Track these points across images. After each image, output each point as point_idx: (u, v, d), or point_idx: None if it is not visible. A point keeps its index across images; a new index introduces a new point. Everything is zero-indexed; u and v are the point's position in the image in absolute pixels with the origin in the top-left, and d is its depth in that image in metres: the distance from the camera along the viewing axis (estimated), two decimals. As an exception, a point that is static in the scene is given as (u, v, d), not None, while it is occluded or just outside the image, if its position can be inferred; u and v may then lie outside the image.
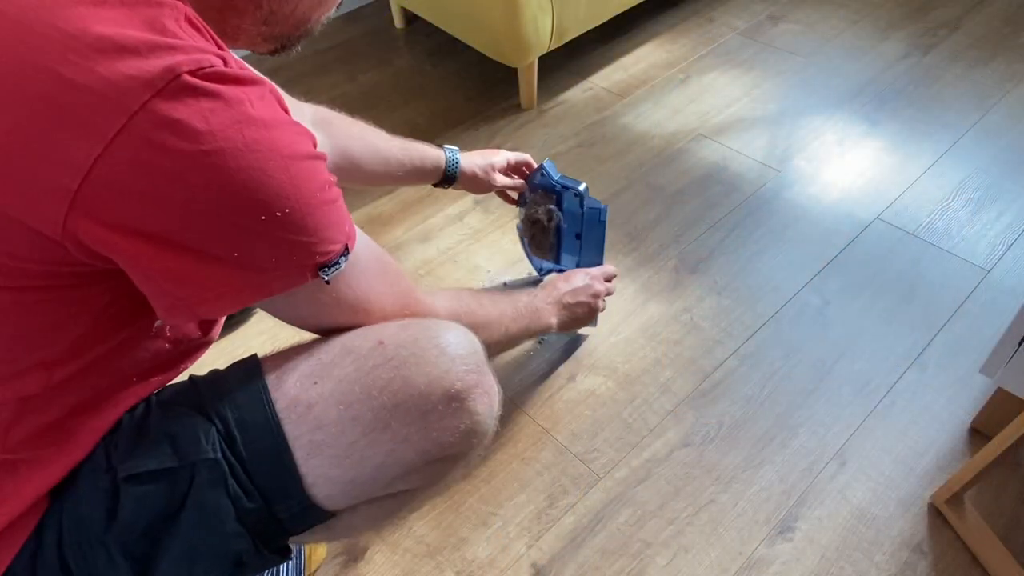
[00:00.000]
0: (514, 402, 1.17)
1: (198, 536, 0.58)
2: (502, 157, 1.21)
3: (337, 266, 0.58)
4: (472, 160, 1.18)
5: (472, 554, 1.00)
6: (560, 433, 1.13)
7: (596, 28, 1.95)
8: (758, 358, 1.22)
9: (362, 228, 1.50)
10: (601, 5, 1.71)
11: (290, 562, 0.95)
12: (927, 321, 1.26)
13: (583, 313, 1.12)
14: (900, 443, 1.10)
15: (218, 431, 0.59)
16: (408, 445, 0.62)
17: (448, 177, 1.17)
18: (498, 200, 1.52)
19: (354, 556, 1.01)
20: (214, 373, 0.66)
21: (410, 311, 0.70)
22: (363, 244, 0.64)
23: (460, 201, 1.53)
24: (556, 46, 1.67)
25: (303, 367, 0.63)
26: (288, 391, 0.62)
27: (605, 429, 1.13)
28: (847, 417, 1.13)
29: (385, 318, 0.67)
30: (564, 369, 1.22)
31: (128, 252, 0.49)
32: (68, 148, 0.45)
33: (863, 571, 0.97)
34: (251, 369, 0.64)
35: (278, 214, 0.51)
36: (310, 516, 0.63)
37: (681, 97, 1.77)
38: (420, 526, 1.03)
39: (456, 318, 0.77)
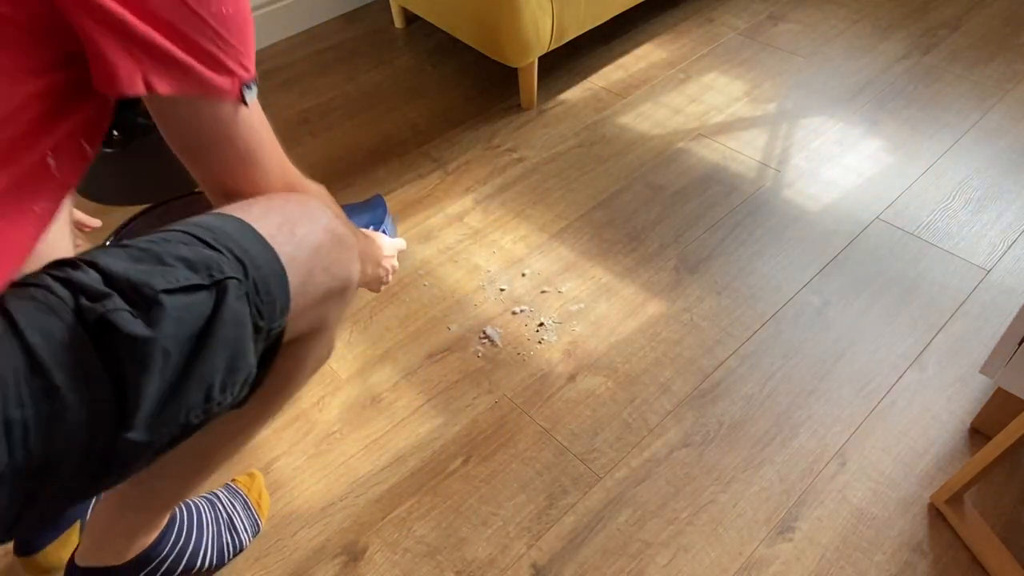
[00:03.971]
0: (514, 402, 1.17)
1: (229, 348, 0.60)
2: None
3: (251, 89, 0.63)
4: None
5: (472, 554, 1.00)
6: (560, 433, 1.13)
7: (596, 28, 1.96)
8: (758, 358, 1.22)
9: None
10: (601, 5, 1.71)
11: (242, 512, 1.02)
12: (927, 321, 1.26)
13: (375, 279, 1.05)
14: (900, 443, 1.10)
15: (227, 259, 0.61)
16: (326, 278, 0.71)
17: None
18: (499, 200, 1.53)
19: (354, 556, 1.01)
20: (181, 220, 0.66)
21: (291, 183, 0.74)
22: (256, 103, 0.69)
23: (460, 201, 1.54)
24: (556, 46, 1.67)
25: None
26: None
27: (605, 429, 1.13)
28: (847, 417, 1.13)
29: (269, 182, 0.72)
30: (564, 369, 1.22)
31: (103, 6, 0.52)
32: None
33: (863, 571, 0.97)
34: (225, 214, 0.66)
35: (224, 10, 0.58)
36: (280, 340, 0.69)
37: (681, 97, 1.77)
38: (420, 526, 1.03)
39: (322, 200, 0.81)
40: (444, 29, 1.78)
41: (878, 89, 1.76)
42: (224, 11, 0.58)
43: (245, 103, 0.64)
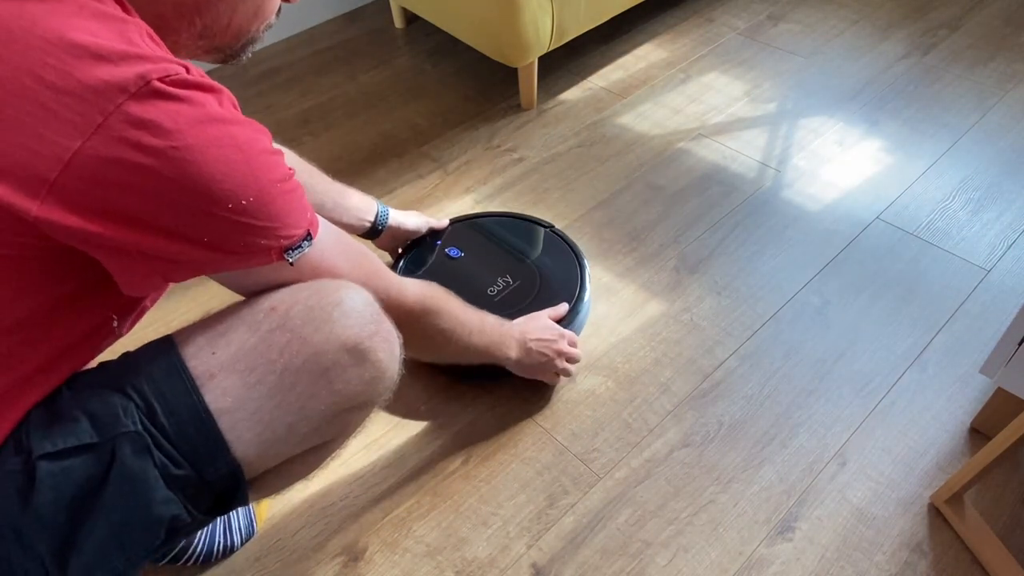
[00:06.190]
0: (514, 402, 1.17)
1: (126, 507, 0.60)
2: (426, 221, 1.30)
3: (300, 249, 0.63)
4: (406, 218, 1.26)
5: (472, 554, 1.00)
6: (560, 433, 1.13)
7: (596, 28, 1.95)
8: (758, 358, 1.22)
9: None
10: (601, 5, 1.71)
11: (242, 513, 1.01)
12: (927, 321, 1.26)
13: (539, 363, 1.08)
14: (900, 443, 1.10)
15: (136, 405, 0.60)
16: (316, 401, 0.66)
17: (375, 230, 1.22)
18: (499, 200, 1.53)
19: (354, 556, 1.01)
20: (125, 355, 0.67)
21: (373, 286, 0.73)
22: (325, 229, 0.69)
23: (460, 201, 1.54)
24: (556, 46, 1.67)
25: (201, 340, 0.65)
26: (197, 361, 0.64)
27: (605, 429, 1.13)
28: (847, 417, 1.13)
29: None
30: (564, 369, 1.22)
31: (102, 235, 0.54)
32: (49, 143, 0.50)
33: (863, 571, 0.97)
34: (162, 344, 0.66)
35: (243, 202, 0.57)
36: (238, 477, 0.65)
37: (681, 97, 1.77)
38: (420, 526, 1.03)
39: (423, 306, 0.84)
40: (444, 29, 1.78)
41: (878, 89, 1.76)
42: (244, 203, 0.57)
43: (290, 263, 0.64)
